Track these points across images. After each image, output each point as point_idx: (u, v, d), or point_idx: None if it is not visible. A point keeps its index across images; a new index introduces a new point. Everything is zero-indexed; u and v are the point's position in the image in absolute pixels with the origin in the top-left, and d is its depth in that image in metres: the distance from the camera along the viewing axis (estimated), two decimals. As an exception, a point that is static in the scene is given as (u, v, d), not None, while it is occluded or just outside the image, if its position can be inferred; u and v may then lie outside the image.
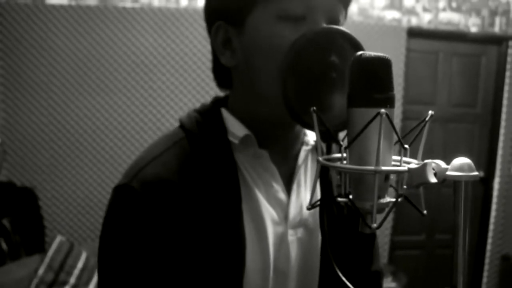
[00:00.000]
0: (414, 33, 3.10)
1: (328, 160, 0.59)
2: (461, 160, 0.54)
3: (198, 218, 0.69)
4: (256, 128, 0.74)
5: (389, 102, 0.54)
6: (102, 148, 2.85)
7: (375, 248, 0.89)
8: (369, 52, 0.55)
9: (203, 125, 0.75)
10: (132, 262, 0.68)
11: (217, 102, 0.79)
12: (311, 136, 0.82)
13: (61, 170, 2.78)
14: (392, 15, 3.07)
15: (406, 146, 0.56)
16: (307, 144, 0.81)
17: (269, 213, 0.74)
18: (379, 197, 0.56)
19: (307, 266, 0.79)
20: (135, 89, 2.85)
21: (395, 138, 0.55)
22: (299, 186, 0.79)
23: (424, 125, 0.58)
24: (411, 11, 3.09)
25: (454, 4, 3.12)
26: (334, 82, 0.65)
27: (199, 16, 2.88)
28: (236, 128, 0.74)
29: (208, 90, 2.92)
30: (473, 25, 3.18)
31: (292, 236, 0.77)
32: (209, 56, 0.81)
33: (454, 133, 3.35)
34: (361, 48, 0.65)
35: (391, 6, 3.06)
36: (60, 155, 2.79)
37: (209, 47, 0.79)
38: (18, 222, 2.69)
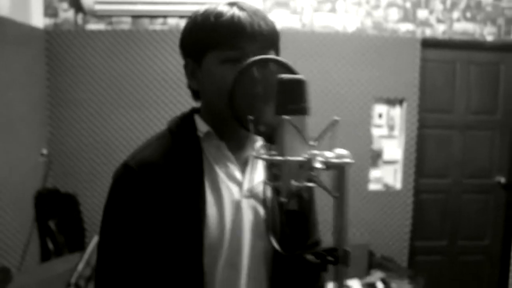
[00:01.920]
0: (429, 43, 3.20)
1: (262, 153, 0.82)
2: (341, 150, 0.73)
3: (174, 189, 0.96)
4: (216, 127, 1.03)
5: (300, 111, 0.76)
6: (136, 158, 3.13)
7: (311, 224, 1.16)
8: (288, 75, 0.79)
9: (180, 125, 1.05)
10: (125, 220, 0.97)
11: (193, 110, 1.10)
12: None
13: (99, 178, 3.09)
14: (406, 27, 3.19)
15: (312, 143, 0.76)
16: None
17: (226, 186, 1.01)
18: (298, 182, 0.77)
19: (258, 230, 1.03)
20: (164, 103, 3.12)
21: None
22: (252, 169, 1.05)
23: (329, 128, 0.78)
24: (425, 23, 3.20)
25: (468, 14, 3.20)
26: (267, 97, 0.88)
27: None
28: (202, 127, 1.04)
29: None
30: (488, 34, 3.24)
31: (245, 204, 1.02)
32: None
33: (473, 140, 3.40)
34: (289, 69, 0.88)
35: (404, 19, 3.18)
36: (98, 164, 3.10)
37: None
38: (62, 224, 3.00)
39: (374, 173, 3.30)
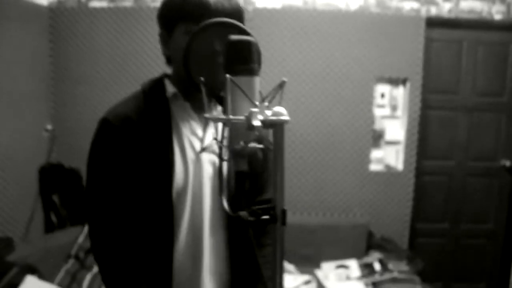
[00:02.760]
0: (434, 22, 3.13)
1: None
2: (278, 108, 0.73)
3: (147, 141, 1.10)
4: (182, 89, 1.17)
5: (249, 72, 0.77)
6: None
7: (262, 184, 1.24)
8: (237, 36, 0.80)
9: (152, 87, 1.18)
10: (106, 166, 1.11)
11: (164, 75, 1.22)
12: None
13: (102, 153, 3.15)
14: (410, 5, 3.12)
15: (257, 103, 0.77)
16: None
17: (189, 141, 1.15)
18: (245, 143, 0.78)
19: (216, 182, 1.16)
20: (165, 81, 3.15)
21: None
22: (212, 126, 1.16)
23: (276, 89, 0.79)
24: (430, 1, 3.12)
25: (476, -8, 3.12)
26: (220, 60, 0.93)
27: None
28: (170, 88, 1.17)
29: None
30: (497, 12, 3.15)
31: (205, 158, 1.15)
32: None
33: (479, 123, 3.33)
34: (244, 32, 0.91)
35: (409, -4, 3.12)
36: (101, 140, 3.15)
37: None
38: (65, 198, 3.08)
39: (375, 154, 3.28)
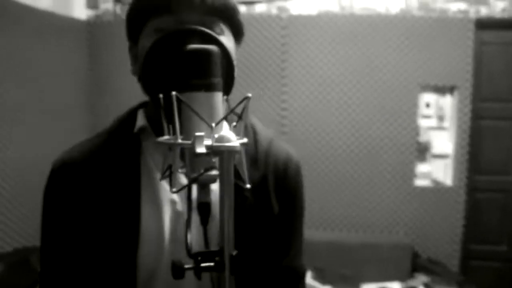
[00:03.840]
0: (485, 24, 2.87)
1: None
2: (226, 132, 0.60)
3: (101, 194, 0.84)
4: (154, 120, 0.87)
5: (207, 87, 0.63)
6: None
7: (290, 238, 0.97)
8: (195, 45, 0.65)
9: (119, 122, 0.92)
10: (48, 224, 0.89)
11: (140, 104, 0.95)
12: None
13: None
14: (457, 6, 2.89)
15: (213, 124, 0.61)
16: None
17: (167, 193, 0.86)
18: (206, 170, 0.61)
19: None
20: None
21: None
22: None
23: (235, 107, 0.66)
24: (480, 1, 2.87)
25: (533, -10, 2.83)
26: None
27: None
28: (140, 122, 0.90)
29: (271, 95, 3.07)
30: (558, 11, 2.84)
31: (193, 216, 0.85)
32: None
33: (540, 133, 3.00)
34: (216, 42, 0.75)
35: (456, -3, 2.89)
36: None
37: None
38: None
39: (421, 168, 3.03)
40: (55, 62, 2.82)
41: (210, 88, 0.63)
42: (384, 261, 2.92)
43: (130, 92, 3.11)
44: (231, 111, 0.65)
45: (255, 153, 0.91)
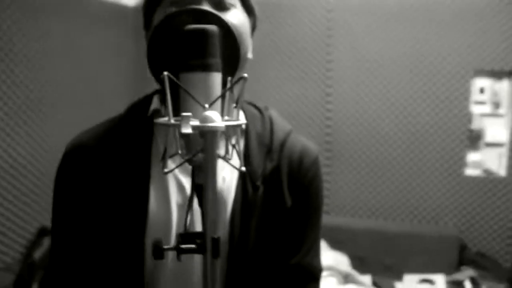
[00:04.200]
0: (549, 3, 2.66)
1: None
2: (211, 113, 0.58)
3: (111, 177, 0.84)
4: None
5: (203, 67, 0.63)
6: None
7: (303, 234, 0.93)
8: (193, 25, 0.64)
9: (133, 106, 0.93)
10: (58, 205, 0.90)
11: (157, 90, 0.94)
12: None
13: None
14: (518, -15, 2.68)
15: (206, 105, 0.60)
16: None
17: (176, 179, 0.86)
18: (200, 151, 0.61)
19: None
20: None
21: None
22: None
23: (230, 87, 0.64)
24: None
25: None
26: None
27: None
28: (153, 105, 0.90)
29: (316, 80, 3.03)
30: None
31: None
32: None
33: None
34: (223, 25, 0.70)
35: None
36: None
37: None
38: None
39: (472, 157, 2.89)
40: (101, 48, 2.91)
41: (206, 68, 0.63)
42: (429, 252, 2.82)
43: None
44: (225, 91, 0.64)
45: (270, 143, 0.90)
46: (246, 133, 0.91)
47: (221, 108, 0.63)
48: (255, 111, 0.96)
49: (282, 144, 0.91)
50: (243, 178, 0.87)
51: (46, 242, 2.33)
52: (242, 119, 0.67)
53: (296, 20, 3.05)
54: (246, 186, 0.87)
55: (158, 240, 0.61)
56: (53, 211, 0.91)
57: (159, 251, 0.61)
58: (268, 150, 0.89)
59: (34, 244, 2.34)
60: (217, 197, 0.61)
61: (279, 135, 0.92)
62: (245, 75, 0.64)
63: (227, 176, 0.87)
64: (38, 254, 2.30)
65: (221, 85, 0.64)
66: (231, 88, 0.65)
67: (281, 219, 0.89)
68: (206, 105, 0.61)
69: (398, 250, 2.87)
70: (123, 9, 3.12)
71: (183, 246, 0.60)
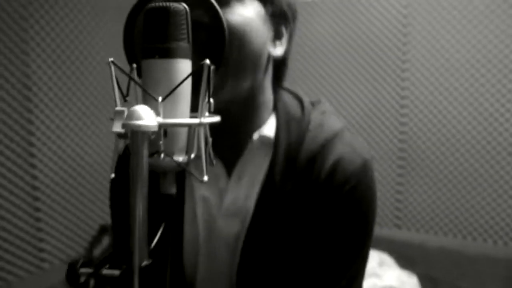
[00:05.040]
0: None
1: None
2: (138, 107, 0.48)
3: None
4: None
5: (160, 52, 0.54)
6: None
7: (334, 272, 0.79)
8: (154, 3, 0.56)
9: None
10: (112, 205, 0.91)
11: None
12: (269, 128, 0.81)
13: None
14: None
15: (159, 98, 0.52)
16: (262, 136, 0.81)
17: (202, 196, 0.81)
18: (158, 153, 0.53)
19: (235, 250, 0.81)
20: (311, 77, 2.98)
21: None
22: (241, 176, 0.80)
23: (186, 78, 0.54)
24: None
25: None
26: None
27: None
28: None
29: (390, 81, 2.81)
30: None
31: (225, 224, 0.80)
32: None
33: None
34: (214, 12, 0.63)
35: None
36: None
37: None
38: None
39: None
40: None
41: (166, 54, 0.54)
42: (513, 279, 2.48)
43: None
44: (181, 82, 0.53)
45: (296, 156, 0.78)
46: (274, 144, 0.79)
47: (200, 103, 0.53)
48: (297, 110, 0.83)
49: (313, 159, 0.77)
50: (263, 197, 0.78)
51: (106, 239, 2.42)
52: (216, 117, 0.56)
53: (369, 17, 2.85)
54: (265, 207, 0.78)
55: (73, 262, 0.51)
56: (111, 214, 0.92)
57: (73, 275, 0.51)
58: (292, 163, 0.78)
59: (95, 241, 2.44)
60: (146, 216, 0.50)
61: (310, 146, 0.78)
62: (207, 61, 0.53)
63: (249, 191, 0.80)
64: (97, 251, 2.40)
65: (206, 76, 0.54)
66: (186, 79, 0.53)
67: (305, 248, 0.77)
68: (159, 98, 0.52)
69: (477, 273, 2.55)
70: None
71: (105, 271, 0.49)
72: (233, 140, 0.81)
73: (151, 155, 0.52)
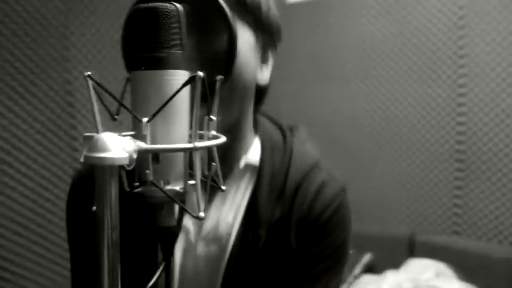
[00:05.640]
0: None
1: None
2: (104, 135, 0.40)
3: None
4: None
5: (146, 63, 0.45)
6: (329, 137, 2.97)
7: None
8: (147, 4, 0.47)
9: None
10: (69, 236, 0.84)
11: None
12: (253, 154, 0.80)
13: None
14: None
15: (144, 120, 0.44)
16: (248, 162, 0.80)
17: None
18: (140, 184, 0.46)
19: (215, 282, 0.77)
20: (368, 78, 2.83)
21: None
22: (223, 201, 0.78)
23: (175, 94, 0.45)
24: None
25: None
26: None
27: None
28: None
29: (445, 79, 2.61)
30: None
31: (202, 250, 0.77)
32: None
33: None
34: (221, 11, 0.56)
35: None
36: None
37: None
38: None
39: None
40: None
41: (154, 64, 0.45)
42: None
43: (289, 77, 3.03)
44: (169, 99, 0.43)
45: (283, 185, 0.77)
46: (259, 171, 0.77)
47: (194, 123, 0.44)
48: (278, 138, 0.82)
49: (297, 186, 0.78)
50: (245, 223, 0.75)
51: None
52: (222, 139, 0.49)
53: (422, 10, 2.66)
54: (247, 234, 0.75)
55: None
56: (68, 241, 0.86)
57: None
58: (279, 195, 0.77)
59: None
60: (117, 255, 0.43)
61: (295, 175, 0.78)
62: (200, 73, 0.43)
63: (230, 217, 0.77)
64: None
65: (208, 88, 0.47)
66: (178, 92, 0.44)
67: (287, 273, 0.75)
68: (144, 119, 0.44)
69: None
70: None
71: None
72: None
73: (140, 184, 0.45)
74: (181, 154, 0.47)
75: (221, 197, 0.78)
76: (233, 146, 0.77)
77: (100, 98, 0.48)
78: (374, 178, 2.86)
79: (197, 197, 0.45)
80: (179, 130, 0.47)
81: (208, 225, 0.77)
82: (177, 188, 0.48)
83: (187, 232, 0.78)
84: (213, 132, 0.51)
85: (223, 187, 0.52)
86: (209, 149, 0.51)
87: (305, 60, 3.02)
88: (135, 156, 0.41)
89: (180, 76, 0.46)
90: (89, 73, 0.45)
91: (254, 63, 0.73)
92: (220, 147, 0.67)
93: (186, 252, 0.78)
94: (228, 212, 0.78)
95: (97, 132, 0.46)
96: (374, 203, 2.86)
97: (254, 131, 0.82)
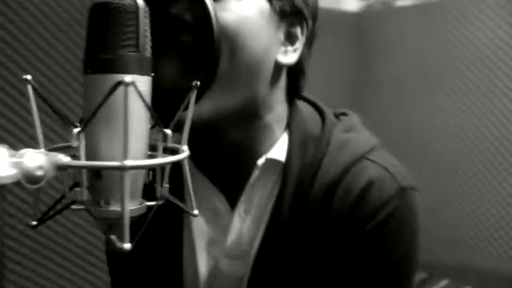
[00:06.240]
0: None
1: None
2: (29, 154, 0.35)
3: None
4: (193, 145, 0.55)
5: (92, 67, 0.41)
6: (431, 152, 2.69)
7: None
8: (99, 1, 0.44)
9: None
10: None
11: None
12: (277, 152, 0.67)
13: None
14: None
15: (74, 130, 0.39)
16: (270, 160, 0.68)
17: (203, 234, 0.71)
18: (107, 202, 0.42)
19: None
20: (476, 90, 2.52)
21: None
22: (247, 210, 0.68)
23: (105, 100, 0.39)
24: None
25: None
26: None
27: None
28: None
29: None
30: None
31: (227, 266, 0.69)
32: None
33: None
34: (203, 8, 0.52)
35: None
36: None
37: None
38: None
39: None
40: (325, 58, 2.82)
41: (100, 67, 0.40)
42: None
43: (398, 84, 2.80)
44: (100, 105, 0.38)
45: (310, 186, 0.63)
46: (284, 168, 0.65)
47: (126, 136, 0.37)
48: (314, 127, 0.68)
49: (335, 184, 0.62)
50: (267, 234, 0.66)
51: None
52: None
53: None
54: (269, 247, 0.65)
55: None
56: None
57: None
58: (306, 198, 0.63)
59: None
60: None
61: (329, 171, 0.63)
62: (126, 79, 0.37)
63: (250, 228, 0.68)
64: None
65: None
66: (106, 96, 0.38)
67: None
68: (74, 130, 0.38)
69: None
70: (345, 14, 2.97)
71: None
72: (235, 168, 0.68)
73: (71, 202, 0.40)
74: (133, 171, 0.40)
75: (244, 205, 0.67)
76: (252, 142, 0.66)
77: (50, 105, 0.43)
78: (484, 205, 2.52)
79: (124, 224, 0.37)
80: (134, 144, 0.40)
81: (231, 238, 0.68)
82: (119, 209, 0.39)
83: (211, 246, 0.70)
84: (185, 147, 0.43)
85: (195, 212, 0.45)
86: (178, 164, 0.43)
87: (407, 66, 2.79)
88: (53, 172, 0.37)
89: (144, 80, 0.41)
90: (29, 76, 0.40)
91: (268, 37, 0.61)
92: (233, 144, 0.64)
93: (209, 266, 0.71)
94: (252, 222, 0.68)
95: (38, 146, 0.40)
96: (481, 233, 2.52)
97: (287, 124, 0.68)
